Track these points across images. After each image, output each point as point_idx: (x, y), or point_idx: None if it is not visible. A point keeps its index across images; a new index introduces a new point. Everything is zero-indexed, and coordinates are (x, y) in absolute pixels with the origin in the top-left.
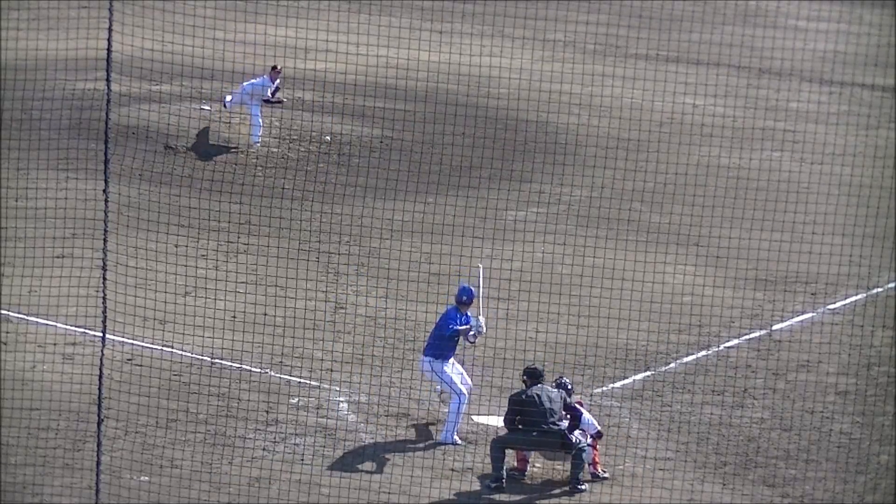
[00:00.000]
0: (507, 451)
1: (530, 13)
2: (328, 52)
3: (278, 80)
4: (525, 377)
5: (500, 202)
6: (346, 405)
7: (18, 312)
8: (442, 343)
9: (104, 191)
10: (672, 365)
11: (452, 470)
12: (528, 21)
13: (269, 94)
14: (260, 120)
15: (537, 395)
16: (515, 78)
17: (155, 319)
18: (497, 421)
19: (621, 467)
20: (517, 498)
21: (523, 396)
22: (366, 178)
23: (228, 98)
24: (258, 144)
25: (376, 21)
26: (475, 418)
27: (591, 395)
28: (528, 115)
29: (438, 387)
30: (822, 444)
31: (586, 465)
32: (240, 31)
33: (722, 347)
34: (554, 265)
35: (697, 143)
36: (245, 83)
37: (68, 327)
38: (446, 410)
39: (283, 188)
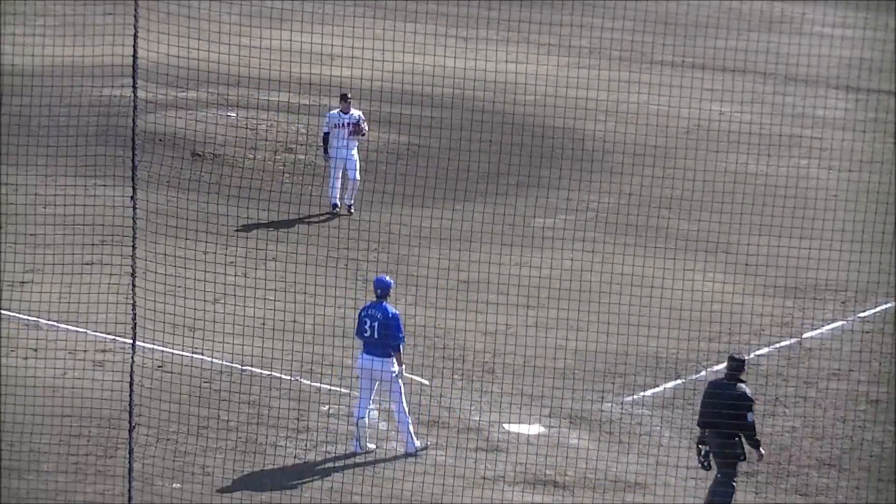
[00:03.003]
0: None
1: (556, 19)
2: (354, 58)
3: (356, 112)
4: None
5: (528, 209)
6: (376, 413)
7: (49, 319)
8: (388, 343)
9: (132, 198)
10: (702, 373)
11: (484, 478)
12: (554, 27)
13: (345, 129)
14: (356, 176)
15: (720, 384)
16: (542, 85)
17: (184, 326)
18: (527, 429)
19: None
20: None
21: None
22: (393, 184)
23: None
24: (334, 201)
25: (402, 28)
26: (506, 426)
27: (622, 404)
28: (554, 122)
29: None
30: (854, 452)
31: None
32: (265, 38)
33: (752, 356)
34: (582, 272)
35: (724, 150)
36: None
37: (98, 334)
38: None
39: (311, 195)
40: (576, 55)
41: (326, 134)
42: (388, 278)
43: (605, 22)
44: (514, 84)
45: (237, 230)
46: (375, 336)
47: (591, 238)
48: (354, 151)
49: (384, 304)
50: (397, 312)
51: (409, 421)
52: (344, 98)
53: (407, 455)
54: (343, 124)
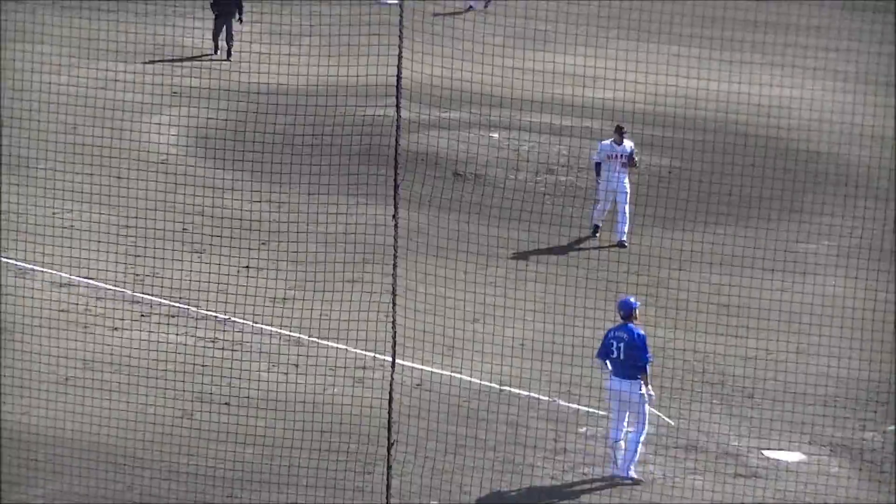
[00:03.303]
0: None
1: (820, 44)
2: (616, 80)
3: (629, 144)
4: None
5: (791, 234)
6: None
7: (310, 336)
8: (636, 365)
9: (394, 216)
10: None
11: None
12: (819, 52)
13: (617, 160)
14: (626, 209)
15: None
16: (806, 109)
17: (443, 345)
18: (787, 456)
19: None
20: None
21: None
22: (654, 207)
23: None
24: (596, 223)
25: (664, 50)
26: (765, 452)
27: (885, 433)
28: (818, 147)
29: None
30: None
31: None
32: (528, 59)
33: None
34: (845, 299)
35: None
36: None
37: (358, 351)
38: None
39: (572, 216)
40: (841, 80)
41: (598, 164)
42: (632, 299)
43: (872, 46)
44: (778, 108)
45: (497, 250)
46: (622, 357)
47: (854, 265)
48: (626, 182)
49: (630, 325)
50: (644, 333)
51: (639, 444)
52: (619, 131)
53: (619, 476)
54: (615, 155)
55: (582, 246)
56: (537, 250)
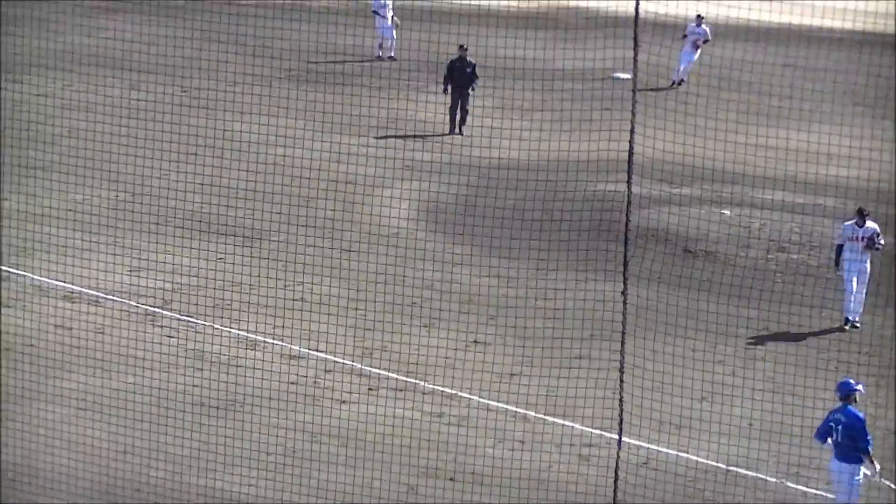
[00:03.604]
0: None
1: None
2: (850, 157)
3: (872, 225)
4: None
5: None
6: None
7: (536, 412)
8: (854, 446)
9: (623, 293)
10: None
11: None
12: None
13: (859, 242)
14: (863, 289)
15: None
16: None
17: (671, 423)
18: None
19: None
20: None
21: None
22: (887, 287)
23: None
24: (848, 315)
25: None
26: None
27: None
28: None
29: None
30: None
31: None
32: (761, 136)
33: None
34: None
35: None
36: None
37: (585, 428)
38: None
39: (802, 295)
40: None
41: (840, 246)
42: (852, 381)
43: None
44: None
45: (727, 328)
46: (840, 440)
47: None
48: (868, 265)
49: (849, 407)
50: (862, 416)
51: None
52: (860, 213)
53: None
54: (857, 238)
55: (813, 326)
56: (767, 329)
